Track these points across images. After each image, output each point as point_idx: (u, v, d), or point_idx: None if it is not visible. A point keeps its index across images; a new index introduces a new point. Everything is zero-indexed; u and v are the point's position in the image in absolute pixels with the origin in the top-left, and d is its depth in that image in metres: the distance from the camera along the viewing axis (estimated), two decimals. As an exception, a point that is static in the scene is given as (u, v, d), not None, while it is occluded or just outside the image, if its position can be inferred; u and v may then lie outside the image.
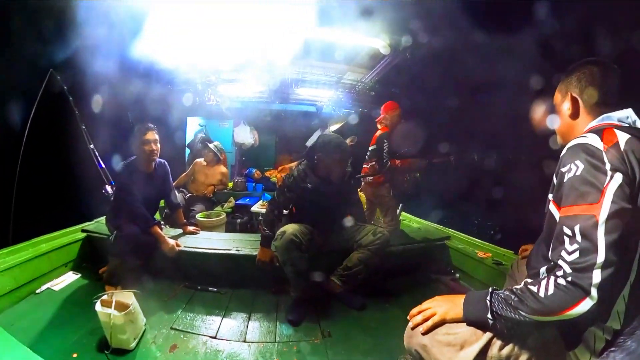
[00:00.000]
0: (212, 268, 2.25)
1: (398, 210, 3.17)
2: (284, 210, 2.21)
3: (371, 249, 2.00)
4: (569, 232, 0.80)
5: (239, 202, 4.04)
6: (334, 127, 6.17)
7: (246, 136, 6.21)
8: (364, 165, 3.15)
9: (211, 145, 4.20)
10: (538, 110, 1.48)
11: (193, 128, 5.97)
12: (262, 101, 5.24)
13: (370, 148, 3.08)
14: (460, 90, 3.09)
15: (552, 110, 1.09)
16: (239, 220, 3.72)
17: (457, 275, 2.51)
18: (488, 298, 0.93)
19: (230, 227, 3.62)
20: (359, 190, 4.61)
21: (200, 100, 4.63)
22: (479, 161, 2.89)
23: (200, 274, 2.28)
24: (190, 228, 2.64)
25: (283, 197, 2.08)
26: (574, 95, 1.01)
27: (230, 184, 4.71)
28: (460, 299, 1.00)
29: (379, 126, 3.11)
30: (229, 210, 3.94)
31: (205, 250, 2.26)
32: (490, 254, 2.37)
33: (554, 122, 1.08)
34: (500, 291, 0.94)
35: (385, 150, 2.84)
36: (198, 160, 4.23)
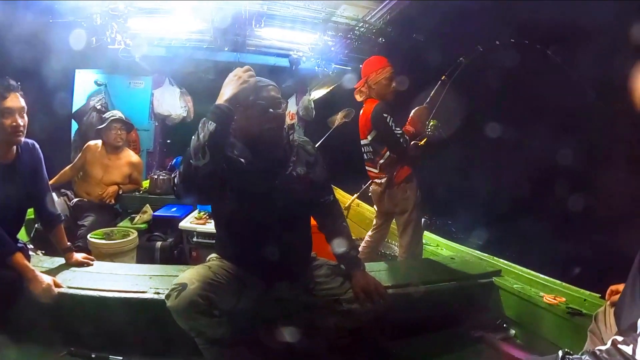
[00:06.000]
0: (115, 323, 2.19)
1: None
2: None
3: (362, 316, 1.99)
4: None
5: (160, 213, 4.03)
6: (318, 92, 6.31)
7: (174, 104, 6.21)
8: (369, 169, 3.30)
9: (113, 117, 4.17)
10: None
11: (85, 88, 5.91)
12: (202, 47, 5.23)
13: (366, 140, 3.22)
14: (522, 42, 3.15)
15: None
16: (159, 244, 3.72)
17: (512, 331, 2.56)
18: None
19: (145, 255, 3.61)
20: (356, 199, 4.68)
21: (99, 43, 4.52)
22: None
23: (95, 332, 2.21)
24: (78, 256, 2.59)
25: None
26: None
27: (146, 184, 4.70)
28: None
29: (358, 97, 3.25)
30: (144, 226, 3.93)
31: (103, 294, 2.20)
32: (564, 299, 2.43)
33: None
34: (575, 356, 0.98)
35: (393, 127, 2.99)
36: (92, 143, 4.22)
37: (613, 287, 1.62)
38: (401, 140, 2.98)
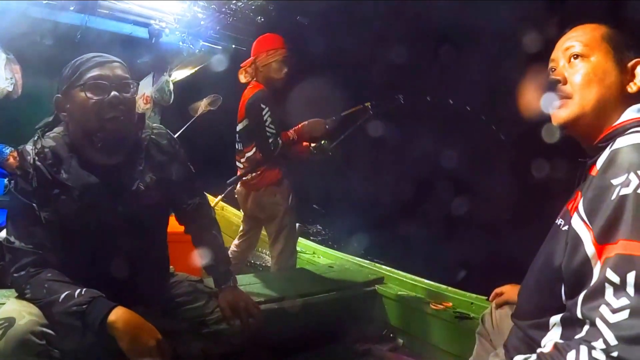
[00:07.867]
0: None
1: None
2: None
3: (233, 337, 1.86)
4: (615, 278, 0.91)
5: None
6: (180, 73, 6.14)
7: (-4, 74, 5.87)
8: (237, 162, 3.15)
9: None
10: (536, 82, 1.55)
11: None
12: (40, 3, 4.75)
13: (238, 127, 3.09)
14: (415, 39, 3.19)
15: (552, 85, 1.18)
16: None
17: (400, 340, 2.63)
18: None
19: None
20: (223, 201, 4.44)
21: None
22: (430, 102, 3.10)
23: None
24: None
25: (23, 230, 1.64)
26: None
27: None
28: None
29: (242, 78, 3.09)
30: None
31: None
32: (451, 303, 2.55)
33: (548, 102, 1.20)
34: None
35: (267, 122, 2.82)
36: None
37: (498, 290, 1.71)
38: (270, 140, 2.79)
